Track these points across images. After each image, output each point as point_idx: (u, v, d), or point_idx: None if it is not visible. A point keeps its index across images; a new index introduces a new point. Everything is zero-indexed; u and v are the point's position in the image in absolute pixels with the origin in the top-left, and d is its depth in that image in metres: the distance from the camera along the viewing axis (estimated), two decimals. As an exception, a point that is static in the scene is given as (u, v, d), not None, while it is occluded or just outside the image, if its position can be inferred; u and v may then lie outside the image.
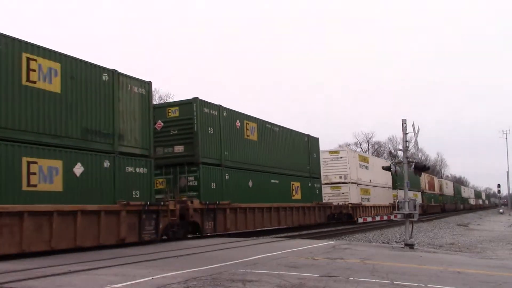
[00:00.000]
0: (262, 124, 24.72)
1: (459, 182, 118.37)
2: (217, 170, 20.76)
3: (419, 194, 51.97)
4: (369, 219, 36.83)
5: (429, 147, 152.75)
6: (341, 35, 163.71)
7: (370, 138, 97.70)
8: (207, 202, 19.46)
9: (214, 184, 20.44)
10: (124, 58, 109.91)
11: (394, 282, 8.79)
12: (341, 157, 34.54)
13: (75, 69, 14.52)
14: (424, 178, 57.44)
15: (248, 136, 23.28)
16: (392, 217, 33.11)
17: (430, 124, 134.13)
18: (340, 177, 34.49)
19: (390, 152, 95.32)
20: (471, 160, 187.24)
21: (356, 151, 46.86)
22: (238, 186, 21.94)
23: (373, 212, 38.03)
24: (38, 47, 13.48)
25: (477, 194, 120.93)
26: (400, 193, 48.48)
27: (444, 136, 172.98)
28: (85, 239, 13.97)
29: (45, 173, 13.15)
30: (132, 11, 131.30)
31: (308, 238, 21.04)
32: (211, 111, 20.77)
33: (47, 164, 13.19)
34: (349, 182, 34.41)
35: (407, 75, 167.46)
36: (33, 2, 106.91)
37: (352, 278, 9.10)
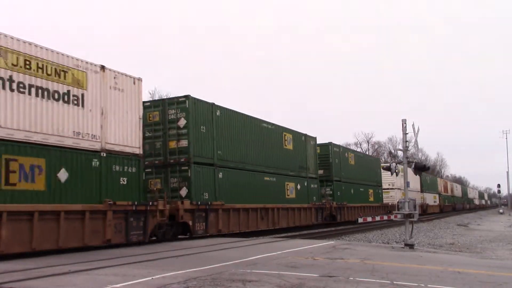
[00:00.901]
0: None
1: (459, 182, 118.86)
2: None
3: (437, 196, 65.41)
4: (369, 219, 36.80)
5: (429, 147, 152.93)
6: (341, 35, 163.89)
7: (370, 138, 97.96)
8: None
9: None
10: (128, 58, 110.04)
11: (394, 282, 8.79)
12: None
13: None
14: (440, 182, 70.99)
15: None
16: (392, 217, 33.65)
17: (430, 124, 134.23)
18: (389, 184, 46.26)
19: (390, 152, 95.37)
20: (471, 160, 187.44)
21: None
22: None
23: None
24: None
25: (481, 195, 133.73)
26: (426, 195, 59.61)
27: (444, 136, 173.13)
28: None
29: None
30: (133, 12, 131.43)
31: (308, 238, 21.05)
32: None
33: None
34: (395, 188, 46.65)
35: (407, 75, 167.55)
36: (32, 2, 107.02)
37: (352, 278, 9.10)
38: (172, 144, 19.44)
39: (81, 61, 14.48)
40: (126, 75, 16.14)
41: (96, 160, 14.58)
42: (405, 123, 17.51)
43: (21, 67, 12.67)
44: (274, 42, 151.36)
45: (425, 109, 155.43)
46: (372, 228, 31.24)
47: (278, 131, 26.36)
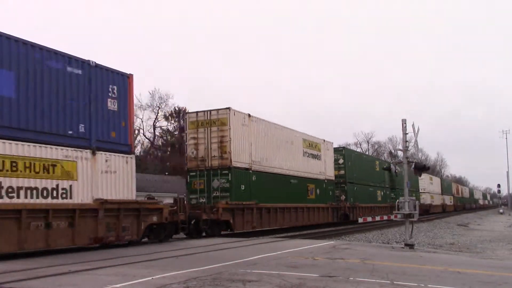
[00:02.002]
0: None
1: (459, 182, 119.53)
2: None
3: (452, 197, 78.75)
4: (369, 219, 37.05)
5: (429, 147, 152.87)
6: (341, 35, 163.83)
7: (370, 138, 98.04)
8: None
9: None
10: (125, 58, 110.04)
11: (394, 282, 8.79)
12: (422, 178, 56.03)
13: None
14: (454, 185, 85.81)
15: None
16: (392, 217, 33.92)
17: (430, 124, 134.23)
18: (421, 189, 58.52)
19: (390, 152, 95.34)
20: (471, 160, 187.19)
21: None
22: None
23: (436, 209, 65.04)
24: None
25: (484, 195, 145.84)
26: (445, 197, 71.72)
27: (444, 136, 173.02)
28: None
29: None
30: (132, 10, 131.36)
31: (308, 238, 21.05)
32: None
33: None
34: (425, 192, 60.64)
35: (407, 75, 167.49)
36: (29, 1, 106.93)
37: (352, 278, 9.10)
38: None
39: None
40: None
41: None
42: (405, 123, 17.52)
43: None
44: (274, 41, 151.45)
45: (425, 109, 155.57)
46: (372, 228, 31.25)
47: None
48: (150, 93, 62.31)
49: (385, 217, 31.57)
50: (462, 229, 35.83)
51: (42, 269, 9.96)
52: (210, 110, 21.70)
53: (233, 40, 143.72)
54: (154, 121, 63.74)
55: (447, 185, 77.45)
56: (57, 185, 13.24)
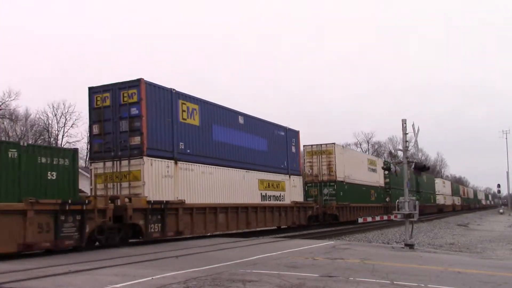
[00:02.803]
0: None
1: (459, 182, 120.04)
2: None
3: (459, 198, 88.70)
4: (369, 219, 37.48)
5: (429, 147, 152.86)
6: (341, 35, 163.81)
7: (370, 138, 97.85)
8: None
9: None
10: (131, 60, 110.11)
11: (394, 282, 8.79)
12: (437, 182, 70.12)
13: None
14: (461, 188, 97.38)
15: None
16: (392, 217, 34.83)
17: (430, 124, 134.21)
18: (437, 192, 68.69)
19: (390, 152, 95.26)
20: (471, 160, 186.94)
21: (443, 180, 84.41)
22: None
23: (448, 208, 74.56)
24: None
25: (486, 196, 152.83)
26: (454, 198, 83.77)
27: (444, 136, 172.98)
28: None
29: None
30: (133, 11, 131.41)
31: (308, 238, 21.07)
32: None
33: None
34: (441, 194, 70.86)
35: (407, 75, 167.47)
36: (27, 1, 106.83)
37: (352, 278, 9.10)
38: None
39: None
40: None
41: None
42: (405, 123, 17.52)
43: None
44: (275, 39, 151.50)
45: (425, 109, 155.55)
46: (372, 228, 31.26)
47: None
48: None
49: (377, 218, 39.13)
50: (462, 229, 35.81)
51: (42, 269, 9.96)
52: (321, 144, 34.19)
53: (232, 40, 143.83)
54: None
55: (455, 187, 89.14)
56: (280, 194, 25.99)
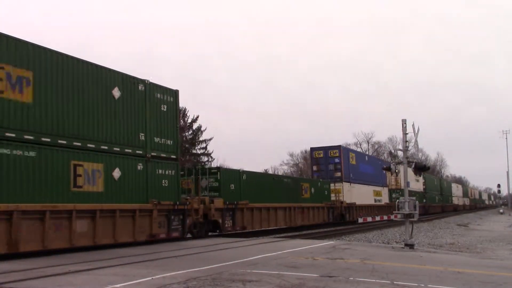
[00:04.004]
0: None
1: (459, 182, 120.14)
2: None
3: (468, 199, 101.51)
4: (369, 219, 37.61)
5: (429, 147, 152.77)
6: (341, 35, 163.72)
7: (370, 138, 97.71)
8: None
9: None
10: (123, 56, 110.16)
11: (394, 282, 8.79)
12: (453, 186, 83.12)
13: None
14: (469, 190, 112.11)
15: None
16: (392, 217, 35.00)
17: (430, 124, 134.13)
18: (453, 194, 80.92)
19: (390, 152, 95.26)
20: (471, 160, 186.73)
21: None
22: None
23: (460, 207, 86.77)
24: None
25: (489, 196, 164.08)
26: (465, 199, 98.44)
27: (444, 136, 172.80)
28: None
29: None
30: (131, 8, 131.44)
31: (308, 238, 21.07)
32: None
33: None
34: (456, 196, 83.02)
35: (406, 75, 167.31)
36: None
37: (352, 278, 9.10)
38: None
39: None
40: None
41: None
42: (405, 123, 17.51)
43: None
44: (273, 40, 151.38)
45: (425, 109, 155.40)
46: (372, 228, 31.27)
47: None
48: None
49: (377, 218, 40.64)
50: (462, 229, 35.80)
51: (42, 269, 9.96)
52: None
53: (232, 40, 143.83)
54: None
55: (465, 190, 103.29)
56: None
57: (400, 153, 19.60)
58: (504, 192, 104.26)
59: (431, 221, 43.57)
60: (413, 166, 17.91)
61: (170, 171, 17.69)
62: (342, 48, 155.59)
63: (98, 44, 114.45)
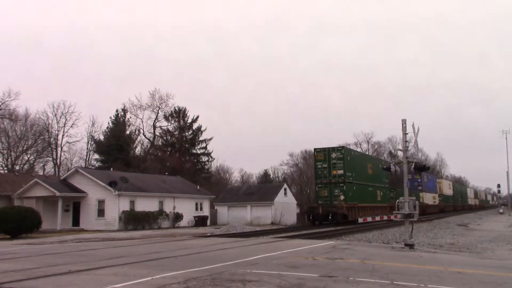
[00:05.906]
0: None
1: (459, 182, 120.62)
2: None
3: (477, 200, 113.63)
4: (369, 219, 37.78)
5: (429, 147, 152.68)
6: (340, 35, 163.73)
7: (370, 138, 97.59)
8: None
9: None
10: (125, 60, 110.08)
11: (394, 282, 8.79)
12: (467, 190, 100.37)
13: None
14: (478, 192, 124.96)
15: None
16: (392, 217, 35.26)
17: (430, 124, 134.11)
18: (468, 196, 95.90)
19: (390, 152, 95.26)
20: (471, 160, 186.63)
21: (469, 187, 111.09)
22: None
23: (471, 207, 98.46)
24: None
25: (492, 197, 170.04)
26: (475, 200, 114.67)
27: (444, 136, 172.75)
28: None
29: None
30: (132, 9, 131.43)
31: (308, 238, 21.07)
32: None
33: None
34: (469, 198, 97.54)
35: (406, 75, 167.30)
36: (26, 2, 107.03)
37: (352, 278, 9.10)
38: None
39: None
40: None
41: None
42: (405, 123, 17.51)
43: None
44: (272, 40, 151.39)
45: (425, 109, 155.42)
46: (372, 228, 31.25)
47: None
48: (150, 93, 62.45)
49: (377, 218, 42.32)
50: (462, 229, 35.80)
51: (42, 269, 9.97)
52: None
53: (232, 40, 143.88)
54: (154, 121, 63.83)
55: (475, 192, 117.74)
56: None
57: (400, 153, 19.59)
58: (504, 192, 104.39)
59: (431, 221, 43.54)
60: (413, 166, 17.92)
61: None
62: (342, 48, 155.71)
63: (98, 44, 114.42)
